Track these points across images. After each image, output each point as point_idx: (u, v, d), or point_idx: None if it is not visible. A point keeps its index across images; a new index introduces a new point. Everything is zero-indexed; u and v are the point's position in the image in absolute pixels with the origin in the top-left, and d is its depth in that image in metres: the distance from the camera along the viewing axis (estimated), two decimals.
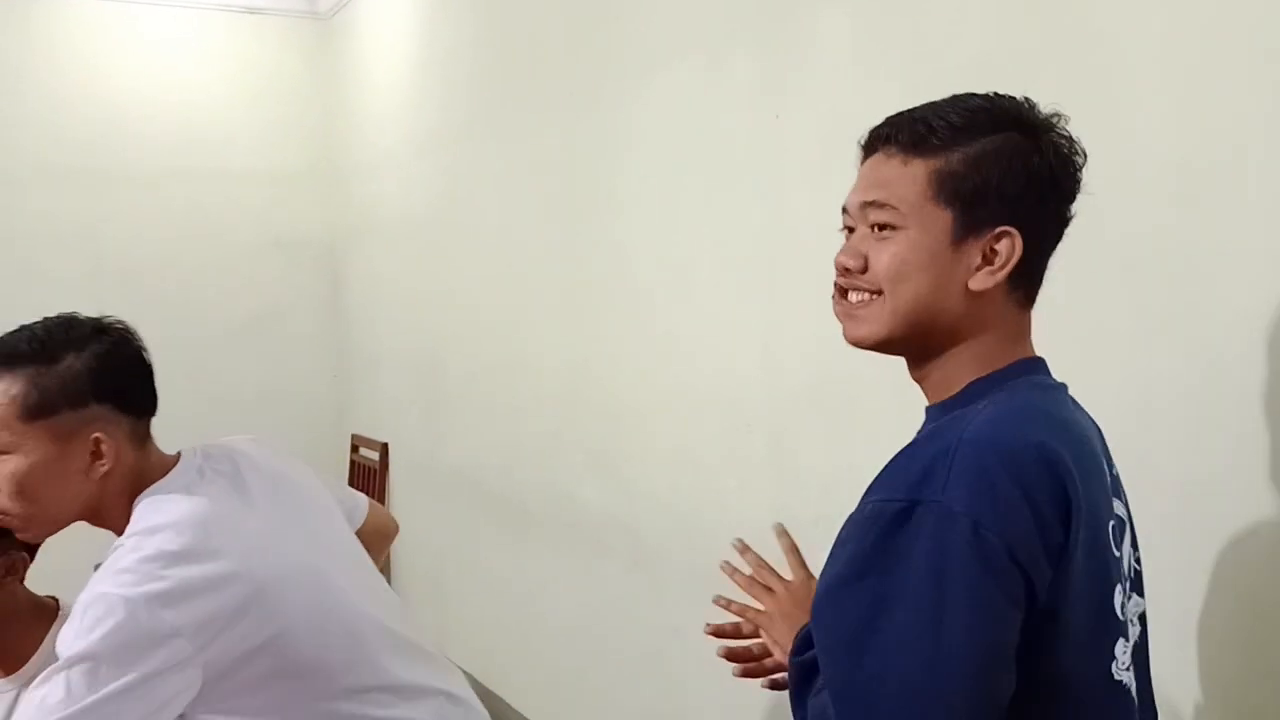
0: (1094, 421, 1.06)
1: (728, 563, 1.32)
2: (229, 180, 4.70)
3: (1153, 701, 1.05)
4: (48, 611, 1.58)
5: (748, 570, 1.27)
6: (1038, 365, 1.02)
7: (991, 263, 0.96)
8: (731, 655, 1.26)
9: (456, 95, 3.75)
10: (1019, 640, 0.85)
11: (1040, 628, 0.86)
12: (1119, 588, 0.93)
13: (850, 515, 0.91)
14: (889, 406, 1.68)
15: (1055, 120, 1.00)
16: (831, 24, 2.08)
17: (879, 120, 1.06)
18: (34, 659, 1.53)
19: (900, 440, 0.99)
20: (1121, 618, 0.92)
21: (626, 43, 2.73)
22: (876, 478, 0.93)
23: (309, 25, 4.87)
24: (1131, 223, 1.53)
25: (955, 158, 0.96)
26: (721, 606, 1.29)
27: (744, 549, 1.32)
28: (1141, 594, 1.06)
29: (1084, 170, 1.00)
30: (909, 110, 1.01)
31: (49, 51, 4.34)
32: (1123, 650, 0.92)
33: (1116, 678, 0.91)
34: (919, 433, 1.00)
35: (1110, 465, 1.02)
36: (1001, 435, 0.89)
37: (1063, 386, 1.03)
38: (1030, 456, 0.87)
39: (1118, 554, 0.94)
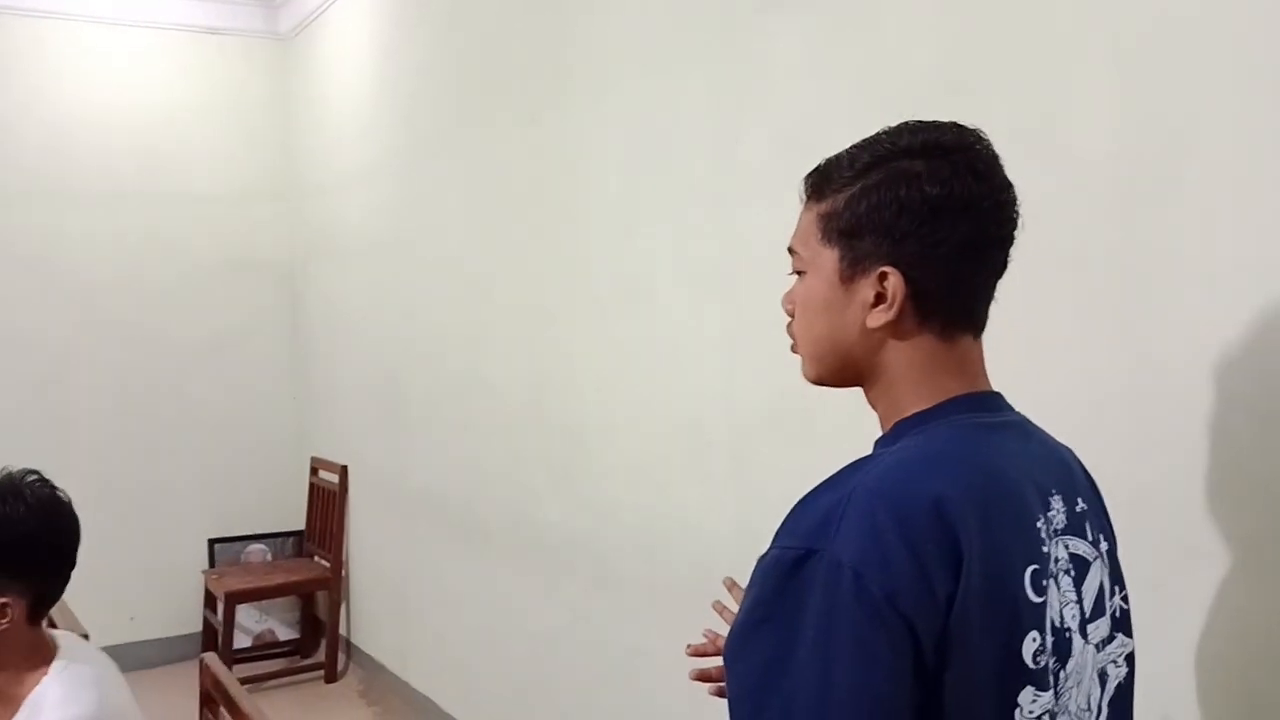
0: (1062, 455, 1.05)
1: (719, 602, 1.34)
2: (188, 201, 4.66)
3: None
4: (41, 659, 1.56)
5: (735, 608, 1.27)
6: (972, 402, 0.99)
7: (884, 300, 0.96)
8: (704, 676, 1.27)
9: (415, 115, 3.75)
10: (911, 687, 0.86)
11: (929, 676, 0.86)
12: (1032, 634, 0.92)
13: (760, 557, 0.92)
14: (848, 422, 1.70)
15: (970, 140, 0.97)
16: (785, 41, 2.10)
17: (832, 135, 1.08)
18: (19, 713, 1.52)
19: (859, 455, 1.00)
20: (1034, 665, 0.91)
21: (582, 61, 2.75)
22: (786, 518, 0.93)
23: (270, 46, 4.85)
24: (1076, 232, 1.56)
25: (840, 198, 0.98)
26: (708, 639, 1.31)
27: (732, 585, 1.33)
28: (1129, 634, 1.05)
29: (1004, 189, 0.97)
30: (829, 157, 1.03)
31: (3, 71, 4.28)
32: (1030, 699, 0.90)
33: None
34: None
35: (1073, 501, 1.00)
36: (894, 484, 0.89)
37: (1006, 424, 1.01)
38: (919, 507, 0.86)
39: (1037, 599, 0.91)
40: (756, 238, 2.18)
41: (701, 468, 2.39)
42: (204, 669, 1.86)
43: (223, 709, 1.78)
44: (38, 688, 1.52)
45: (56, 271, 4.39)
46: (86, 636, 2.26)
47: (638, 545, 2.62)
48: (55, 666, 1.54)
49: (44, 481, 1.56)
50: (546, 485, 3.02)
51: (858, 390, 1.04)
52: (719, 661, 1.23)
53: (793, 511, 0.93)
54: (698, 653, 1.30)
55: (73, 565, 1.57)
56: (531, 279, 3.05)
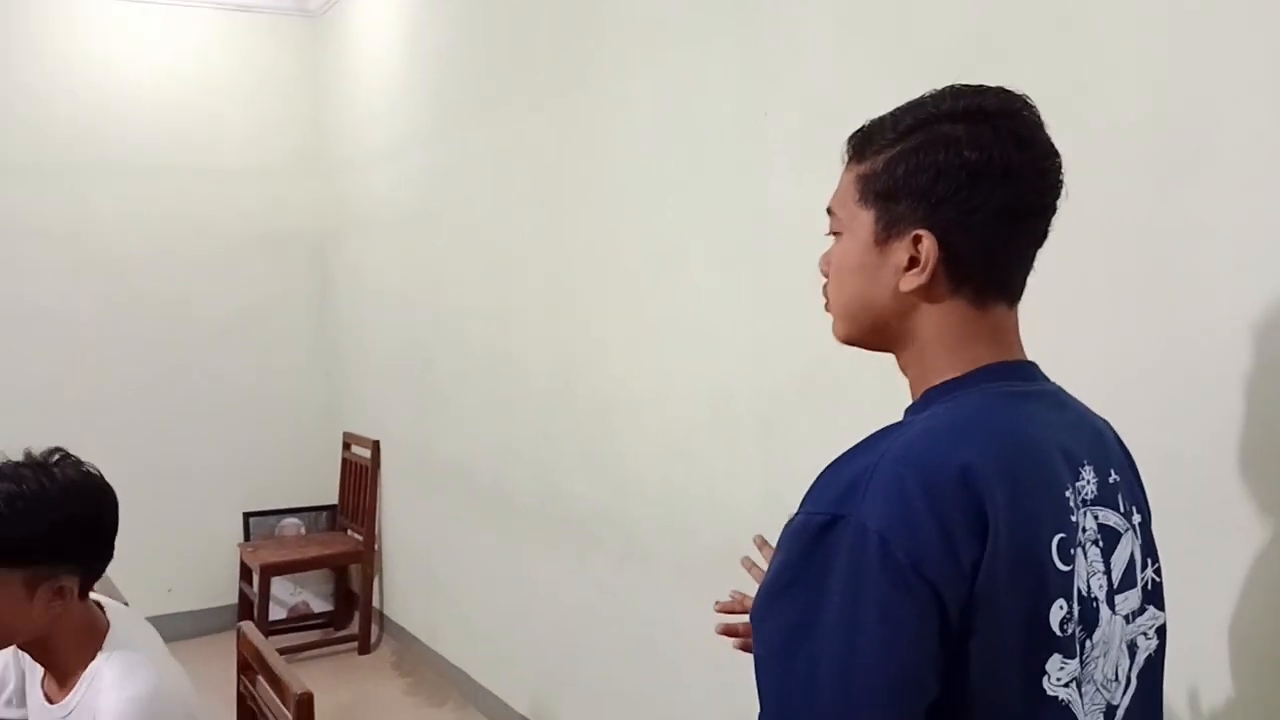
0: (1096, 425, 1.05)
1: (748, 558, 1.35)
2: (218, 176, 4.69)
3: (1160, 713, 1.05)
4: (96, 636, 1.58)
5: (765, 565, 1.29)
6: (1004, 371, 0.98)
7: (917, 264, 0.95)
8: (730, 630, 1.29)
9: (444, 90, 3.76)
10: (937, 653, 0.86)
11: (955, 642, 0.87)
12: (1059, 602, 0.92)
13: (787, 521, 0.93)
14: (878, 394, 1.70)
15: (1016, 106, 0.96)
16: (814, 12, 2.09)
17: (863, 108, 1.07)
18: (71, 694, 1.55)
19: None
20: (1060, 633, 0.91)
21: (613, 34, 2.74)
22: (813, 483, 0.93)
23: (299, 22, 4.87)
24: (1109, 201, 1.54)
25: (879, 160, 0.97)
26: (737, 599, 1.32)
27: (762, 544, 1.34)
28: (1160, 607, 1.05)
29: (1048, 156, 0.96)
30: (872, 118, 1.03)
31: (34, 47, 4.32)
32: (1058, 666, 0.90)
33: (1050, 693, 0.90)
34: None
35: (1105, 472, 1.00)
36: (922, 452, 0.89)
37: (1039, 393, 1.00)
38: (946, 475, 0.87)
39: (1064, 568, 0.91)
40: (785, 210, 2.18)
41: (729, 441, 2.40)
42: (242, 637, 1.90)
43: (260, 676, 1.81)
44: (93, 664, 1.54)
45: (88, 247, 4.44)
46: (126, 606, 2.32)
47: (665, 519, 2.64)
48: (109, 643, 1.56)
49: (68, 457, 1.55)
50: (574, 459, 3.04)
51: (888, 364, 1.04)
52: (745, 618, 1.24)
53: (820, 477, 0.93)
54: (725, 609, 1.32)
55: (114, 539, 1.59)
56: (559, 253, 3.06)
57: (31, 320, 4.32)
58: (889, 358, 1.04)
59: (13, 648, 1.66)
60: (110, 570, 2.35)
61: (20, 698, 1.68)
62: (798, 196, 2.14)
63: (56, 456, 1.54)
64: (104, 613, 1.62)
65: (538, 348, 3.21)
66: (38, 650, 1.56)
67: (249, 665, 1.87)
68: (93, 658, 1.55)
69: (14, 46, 4.29)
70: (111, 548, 1.57)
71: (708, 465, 2.47)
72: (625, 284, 2.76)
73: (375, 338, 4.51)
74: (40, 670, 1.61)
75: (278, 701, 1.72)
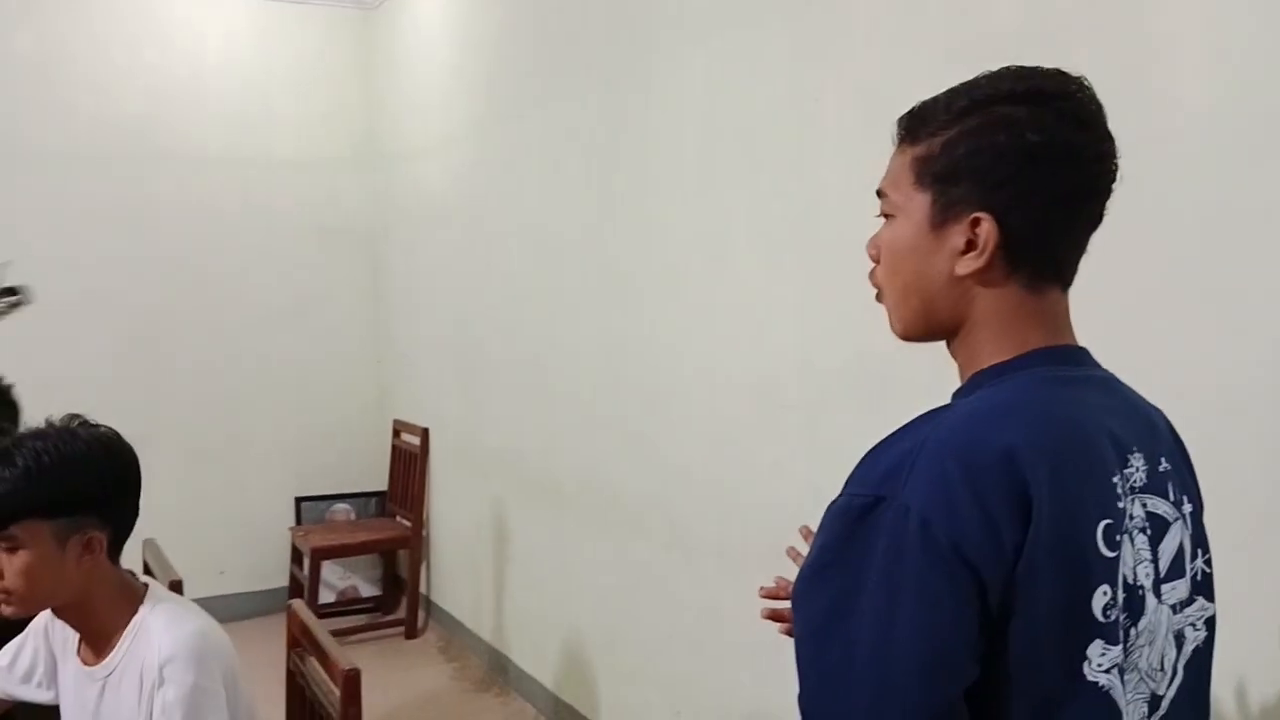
0: (1148, 413, 1.03)
1: (793, 548, 1.35)
2: (275, 167, 4.78)
3: (1206, 705, 1.04)
4: (133, 595, 1.62)
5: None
6: (1054, 355, 0.97)
7: (974, 247, 0.94)
8: (775, 615, 1.29)
9: (496, 81, 3.78)
10: (976, 636, 0.86)
11: (995, 625, 0.86)
12: (1103, 588, 0.91)
13: (830, 503, 0.93)
14: (925, 384, 1.68)
15: (1073, 88, 0.95)
16: (869, 1, 2.08)
17: (914, 93, 1.07)
18: (113, 652, 1.60)
19: None
20: (1103, 618, 0.90)
21: (663, 20, 2.74)
22: (856, 465, 0.93)
23: (355, 15, 4.93)
24: (1167, 187, 1.52)
25: (936, 141, 0.96)
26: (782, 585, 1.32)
27: (808, 534, 1.34)
28: (1210, 598, 1.03)
29: (1106, 139, 0.95)
30: (925, 99, 1.02)
31: (99, 39, 4.43)
32: (1100, 652, 0.89)
33: (1090, 679, 0.89)
34: None
35: (1155, 460, 0.99)
36: (965, 434, 0.89)
37: (1088, 379, 0.99)
38: (989, 458, 0.86)
39: (1109, 554, 0.90)
40: (834, 198, 2.17)
41: (775, 431, 2.40)
42: (291, 614, 1.93)
43: (309, 652, 1.84)
44: (135, 619, 1.59)
45: (147, 235, 4.54)
46: (181, 583, 2.37)
47: (709, 507, 2.64)
48: (149, 601, 1.61)
49: (87, 422, 1.61)
50: (620, 447, 3.05)
51: (937, 356, 1.03)
52: (789, 604, 1.24)
53: (864, 459, 0.93)
54: (769, 595, 1.32)
55: (138, 495, 1.63)
56: (607, 241, 3.07)
57: (93, 306, 4.42)
58: (940, 353, 1.03)
59: (43, 628, 1.71)
60: (166, 551, 2.42)
61: (50, 679, 1.72)
62: (847, 184, 2.12)
63: (76, 422, 1.60)
64: (138, 580, 1.67)
65: (585, 336, 3.22)
66: (76, 614, 1.60)
67: (298, 642, 1.90)
68: (133, 615, 1.59)
69: (78, 39, 4.39)
70: (136, 505, 1.62)
71: (753, 454, 2.47)
72: (672, 272, 2.76)
73: (426, 326, 4.56)
74: (74, 642, 1.66)
75: (325, 678, 1.75)
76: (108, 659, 1.60)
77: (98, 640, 1.62)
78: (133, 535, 1.64)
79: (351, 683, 1.59)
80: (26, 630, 1.75)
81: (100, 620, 1.60)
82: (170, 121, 4.56)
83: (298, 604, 1.96)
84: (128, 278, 4.52)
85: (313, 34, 4.85)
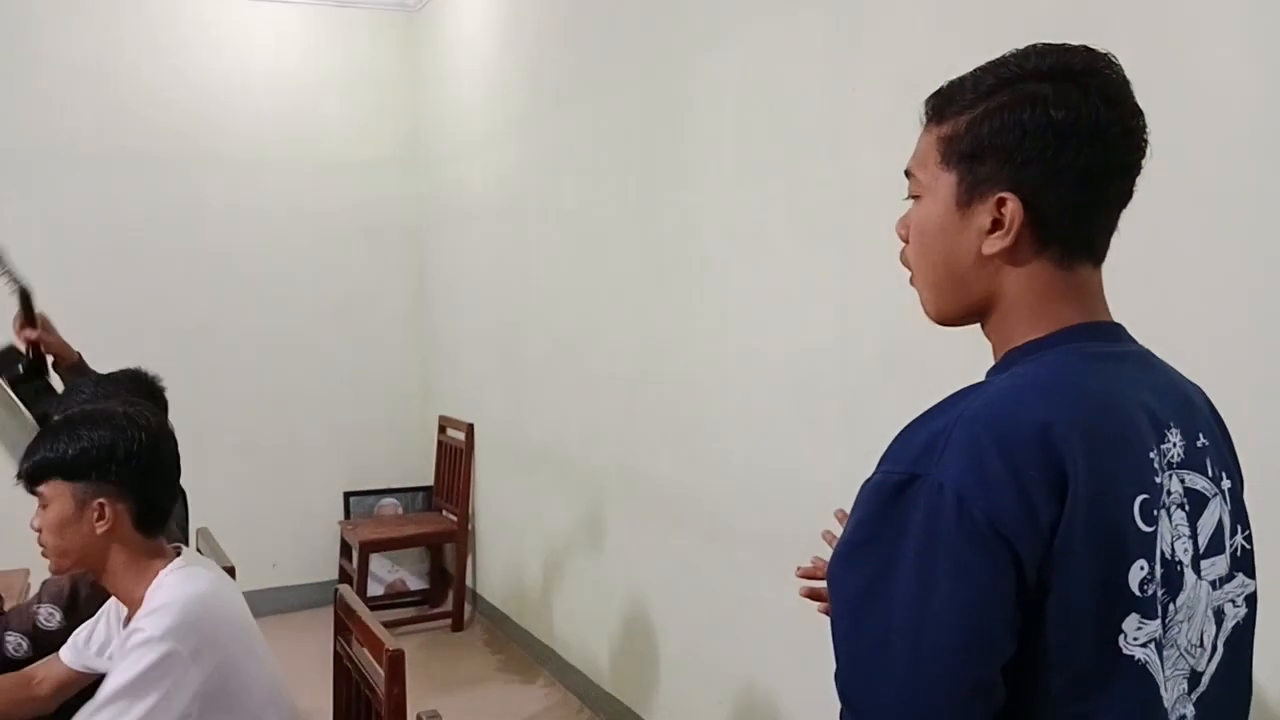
0: (1185, 389, 1.03)
1: (829, 532, 1.36)
2: (322, 168, 4.86)
3: (1248, 682, 1.03)
4: (162, 559, 1.69)
5: None
6: (1088, 331, 0.97)
7: (1001, 226, 0.94)
8: (813, 594, 1.30)
9: (536, 78, 3.82)
10: (1013, 612, 0.86)
11: (1032, 601, 0.87)
12: (1140, 563, 0.90)
13: (865, 480, 0.93)
14: (964, 372, 1.69)
15: (1100, 64, 0.94)
16: None
17: (951, 78, 1.06)
18: (135, 616, 1.65)
19: None
20: (1140, 593, 0.89)
21: (699, 12, 2.76)
22: (891, 443, 0.94)
23: (399, 17, 5.00)
24: (1204, 171, 1.50)
25: (962, 120, 0.96)
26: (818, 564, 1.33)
27: (844, 517, 1.35)
28: (1250, 574, 1.02)
29: (1134, 115, 0.94)
30: (952, 79, 1.02)
31: (147, 44, 4.54)
32: (1136, 625, 0.89)
33: (1127, 652, 0.89)
34: None
35: (1193, 436, 0.98)
36: (1000, 411, 0.89)
37: (1124, 354, 0.99)
38: (1024, 433, 0.87)
39: (1146, 529, 0.90)
40: (872, 186, 2.17)
41: (813, 421, 2.40)
42: (339, 599, 1.98)
43: (355, 635, 1.89)
44: (155, 579, 1.66)
45: (198, 235, 4.64)
46: (233, 569, 2.43)
47: (748, 498, 2.65)
48: (174, 565, 1.68)
49: (134, 403, 1.71)
50: (659, 439, 3.07)
51: (976, 345, 1.03)
52: (826, 583, 1.25)
53: (899, 436, 0.94)
54: (806, 574, 1.33)
55: (168, 474, 1.70)
56: (645, 234, 3.09)
57: (147, 305, 4.54)
58: (978, 339, 1.03)
59: (113, 604, 1.79)
60: (221, 543, 2.48)
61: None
62: (883, 172, 2.11)
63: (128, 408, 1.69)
64: (176, 553, 1.72)
65: (624, 329, 3.25)
66: (106, 577, 1.69)
67: (345, 626, 1.95)
68: (155, 579, 1.66)
69: (129, 43, 4.50)
70: (165, 483, 1.69)
71: (791, 445, 2.48)
72: (710, 263, 2.77)
73: (470, 323, 4.61)
74: (125, 611, 1.73)
75: (370, 660, 1.79)
76: (132, 621, 1.66)
77: (129, 604, 1.70)
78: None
79: (395, 663, 1.63)
80: (102, 608, 1.83)
81: (127, 585, 1.68)
82: (220, 123, 4.66)
83: (344, 589, 2.00)
84: (180, 277, 4.62)
85: (359, 37, 4.93)
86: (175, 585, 1.63)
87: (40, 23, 4.36)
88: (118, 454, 1.63)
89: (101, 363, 2.59)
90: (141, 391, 2.27)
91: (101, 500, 1.63)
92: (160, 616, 1.56)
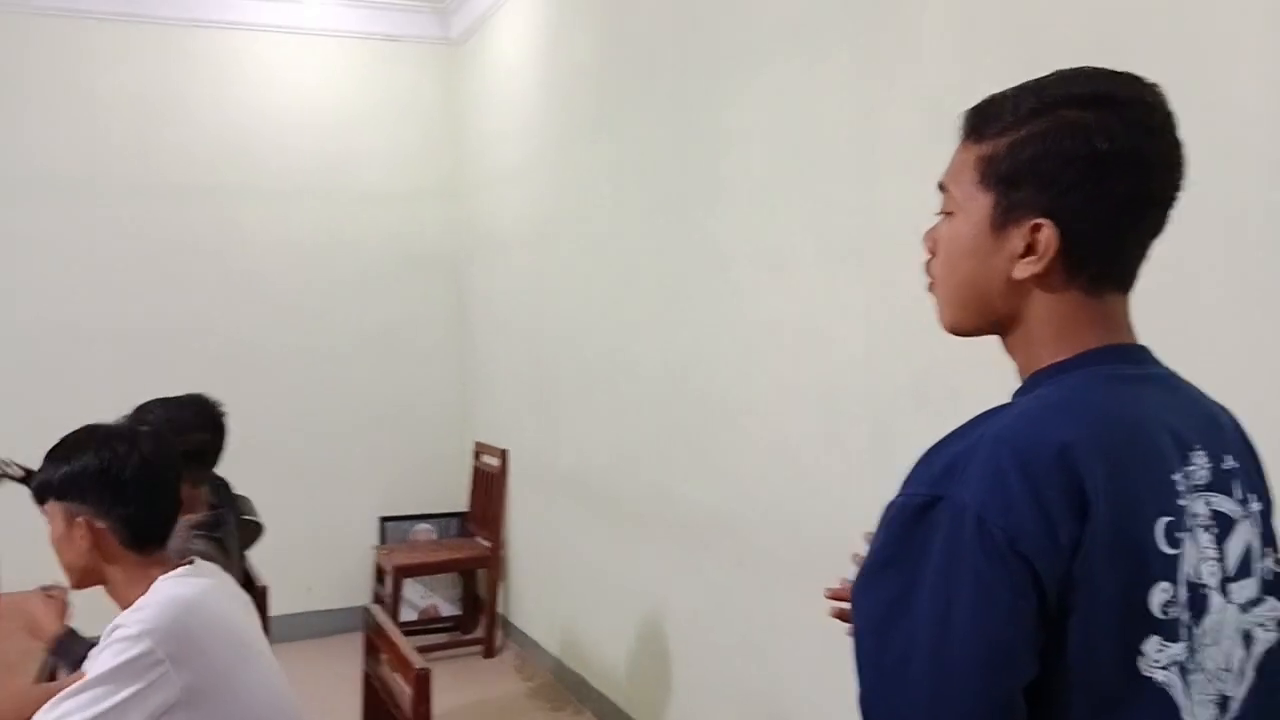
0: (1211, 411, 1.02)
1: (857, 554, 1.36)
2: (362, 199, 4.95)
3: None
4: (155, 572, 1.69)
5: None
6: (1113, 353, 0.97)
7: (1034, 252, 0.94)
8: (842, 615, 1.30)
9: (571, 109, 3.88)
10: (1034, 632, 0.86)
11: (1054, 621, 0.87)
12: (1162, 585, 0.90)
13: (888, 503, 0.94)
14: (994, 397, 1.69)
15: (1145, 94, 0.94)
16: (931, 9, 2.10)
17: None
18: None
19: None
20: (1161, 615, 0.89)
21: (730, 48, 2.80)
22: (914, 465, 0.94)
23: (442, 51, 5.10)
24: (1232, 194, 1.50)
25: (1003, 142, 0.95)
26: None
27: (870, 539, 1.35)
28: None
29: (1175, 147, 0.94)
30: (992, 94, 1.02)
31: (194, 79, 4.67)
32: (1156, 648, 0.89)
33: (1145, 673, 0.89)
34: None
35: (1218, 458, 0.97)
36: (1020, 432, 0.89)
37: (1148, 377, 0.99)
38: (1044, 454, 0.87)
39: (1170, 551, 0.90)
40: (900, 211, 2.18)
41: (841, 448, 2.40)
42: (368, 618, 2.00)
43: (384, 654, 1.91)
44: (151, 585, 1.67)
45: (243, 264, 4.75)
46: (265, 589, 2.47)
47: (777, 523, 2.65)
48: (175, 573, 1.69)
49: (140, 425, 1.78)
50: (688, 464, 3.08)
51: (1006, 368, 1.03)
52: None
53: (921, 459, 0.94)
54: (834, 596, 1.33)
55: (152, 495, 1.70)
56: (672, 261, 3.12)
57: (188, 333, 4.64)
58: (1009, 366, 1.03)
59: None
60: (257, 566, 2.51)
61: None
62: (910, 200, 2.13)
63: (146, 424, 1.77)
64: (176, 562, 1.73)
65: (652, 357, 3.27)
66: (109, 590, 1.72)
67: (374, 646, 1.97)
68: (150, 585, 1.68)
69: (172, 73, 4.64)
70: (148, 503, 1.70)
71: (819, 472, 2.48)
72: (737, 290, 2.80)
73: (504, 351, 4.66)
74: None
75: (399, 680, 1.80)
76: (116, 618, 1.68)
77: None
78: None
79: (422, 682, 1.65)
80: None
81: (128, 598, 1.69)
82: (261, 154, 4.77)
83: (375, 608, 2.03)
84: (223, 305, 4.71)
85: (402, 68, 5.03)
86: (163, 589, 1.65)
87: (94, 57, 4.50)
88: (92, 475, 1.66)
89: (145, 388, 2.66)
90: (205, 417, 2.37)
91: (82, 519, 1.67)
92: (140, 615, 1.58)
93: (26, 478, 2.32)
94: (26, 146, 4.43)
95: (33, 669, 2.11)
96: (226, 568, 2.35)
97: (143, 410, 2.32)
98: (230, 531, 2.42)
